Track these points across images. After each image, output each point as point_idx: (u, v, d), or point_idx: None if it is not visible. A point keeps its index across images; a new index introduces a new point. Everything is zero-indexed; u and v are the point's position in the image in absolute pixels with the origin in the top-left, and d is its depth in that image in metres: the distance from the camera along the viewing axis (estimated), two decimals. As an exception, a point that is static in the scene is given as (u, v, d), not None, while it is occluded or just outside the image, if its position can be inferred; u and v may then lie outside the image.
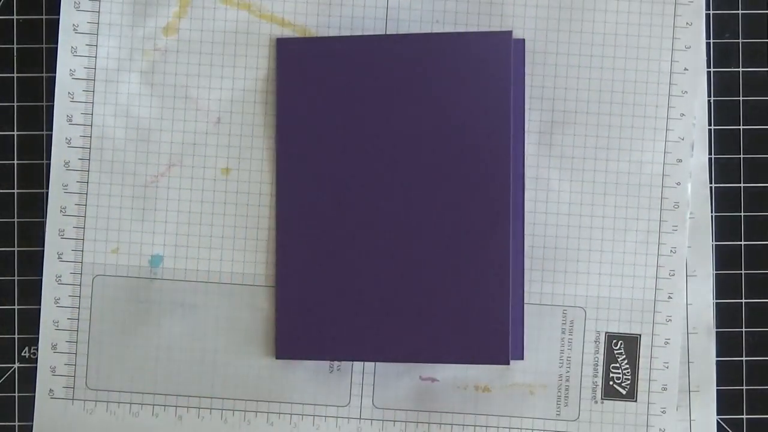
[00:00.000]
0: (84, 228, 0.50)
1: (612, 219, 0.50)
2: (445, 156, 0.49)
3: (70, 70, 0.50)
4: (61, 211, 0.50)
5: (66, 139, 0.50)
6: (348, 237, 0.49)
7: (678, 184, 0.50)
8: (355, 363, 0.50)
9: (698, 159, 0.51)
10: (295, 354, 0.49)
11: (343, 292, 0.49)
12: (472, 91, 0.48)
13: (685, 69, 0.50)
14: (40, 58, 0.51)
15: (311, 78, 0.49)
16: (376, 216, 0.49)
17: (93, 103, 0.50)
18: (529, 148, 0.50)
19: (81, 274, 0.50)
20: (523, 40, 0.50)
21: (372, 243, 0.49)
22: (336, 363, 0.50)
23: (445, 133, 0.48)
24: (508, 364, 0.48)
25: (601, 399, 0.50)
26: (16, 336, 0.51)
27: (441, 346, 0.48)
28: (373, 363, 0.50)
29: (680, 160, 0.50)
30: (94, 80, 0.50)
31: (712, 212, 0.51)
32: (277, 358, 0.49)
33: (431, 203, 0.49)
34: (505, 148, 0.48)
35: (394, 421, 0.50)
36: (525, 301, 0.50)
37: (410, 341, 0.49)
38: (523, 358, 0.50)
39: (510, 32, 0.48)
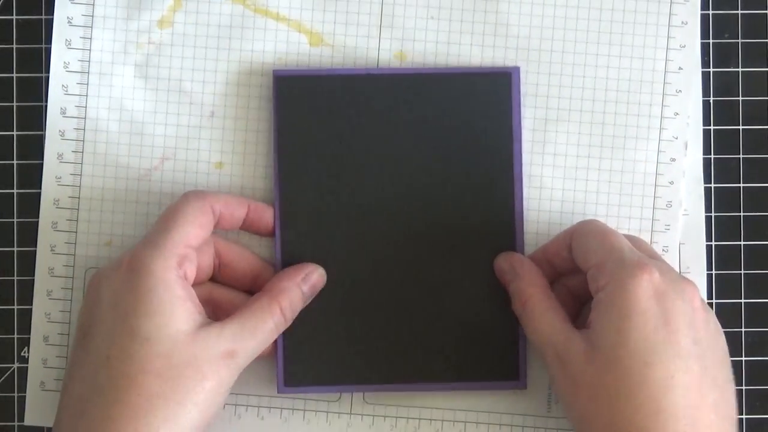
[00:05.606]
0: (77, 221, 0.50)
1: (605, 218, 0.50)
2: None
3: (65, 62, 0.50)
4: (54, 203, 0.50)
5: (59, 131, 0.50)
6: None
7: (671, 183, 0.50)
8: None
9: (692, 156, 0.50)
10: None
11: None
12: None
13: (680, 68, 0.50)
14: (40, 58, 0.51)
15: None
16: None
17: (87, 95, 0.50)
18: (523, 146, 0.50)
19: (74, 266, 0.50)
20: (518, 68, 0.49)
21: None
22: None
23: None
24: (524, 387, 0.49)
25: (592, 397, 0.50)
26: (15, 336, 0.51)
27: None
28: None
29: (674, 159, 0.50)
30: (88, 73, 0.50)
31: (708, 211, 0.51)
32: (279, 392, 0.49)
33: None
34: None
35: (385, 416, 0.50)
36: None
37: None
38: (525, 387, 0.49)
39: (510, 74, 0.49)
